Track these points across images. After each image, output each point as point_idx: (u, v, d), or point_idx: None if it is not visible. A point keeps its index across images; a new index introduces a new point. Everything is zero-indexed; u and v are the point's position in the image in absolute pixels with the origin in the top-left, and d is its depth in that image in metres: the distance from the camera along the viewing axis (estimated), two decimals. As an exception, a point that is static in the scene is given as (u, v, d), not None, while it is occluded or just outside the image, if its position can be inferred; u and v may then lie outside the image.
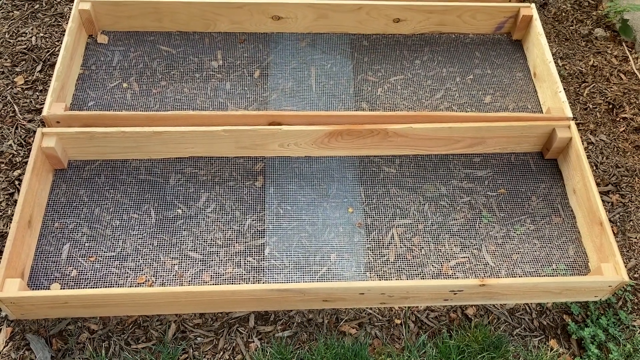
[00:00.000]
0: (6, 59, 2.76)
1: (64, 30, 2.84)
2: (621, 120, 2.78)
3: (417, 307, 2.18)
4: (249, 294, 2.01)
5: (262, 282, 2.18)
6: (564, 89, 2.77)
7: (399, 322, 2.15)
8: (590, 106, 2.81)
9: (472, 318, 2.16)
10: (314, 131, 2.36)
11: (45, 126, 2.40)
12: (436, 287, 2.04)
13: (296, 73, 2.76)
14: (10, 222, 2.29)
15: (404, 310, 2.17)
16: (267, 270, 2.21)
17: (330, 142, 2.42)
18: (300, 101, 2.66)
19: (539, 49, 2.70)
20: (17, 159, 2.46)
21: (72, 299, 1.95)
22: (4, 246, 2.22)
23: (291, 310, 2.15)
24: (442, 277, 2.22)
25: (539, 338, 2.14)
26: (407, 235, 2.32)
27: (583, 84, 2.89)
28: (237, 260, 2.22)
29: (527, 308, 2.21)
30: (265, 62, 2.77)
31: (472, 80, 2.79)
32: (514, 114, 2.50)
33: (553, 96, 2.55)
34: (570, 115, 2.45)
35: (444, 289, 2.05)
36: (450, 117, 2.43)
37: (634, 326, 2.20)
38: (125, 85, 2.65)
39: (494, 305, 2.20)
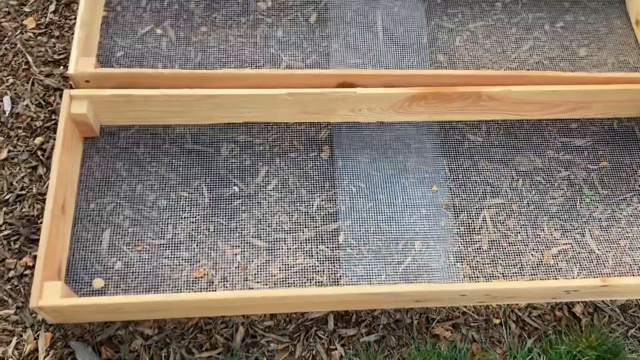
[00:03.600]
0: (11, -4, 2.29)
1: (79, -39, 2.36)
2: None
3: (517, 304, 1.90)
4: (331, 298, 1.71)
5: (338, 274, 1.87)
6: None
7: (497, 322, 1.87)
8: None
9: (581, 317, 1.89)
10: (394, 94, 1.98)
11: (70, 85, 2.00)
12: (551, 288, 1.76)
13: (359, 17, 2.33)
14: (37, 203, 1.93)
15: (502, 308, 1.89)
16: (343, 261, 1.90)
17: (410, 107, 2.04)
18: (365, 53, 2.25)
19: (645, -9, 2.30)
20: (36, 123, 2.06)
21: (126, 306, 1.64)
22: (32, 232, 1.88)
23: (374, 310, 1.86)
24: (544, 267, 1.93)
25: (657, 340, 1.89)
26: (500, 218, 2.01)
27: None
28: (307, 249, 1.91)
29: (640, 304, 1.94)
30: (322, 3, 2.34)
31: (562, 28, 2.38)
32: (630, 74, 2.13)
33: (667, 52, 2.18)
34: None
35: (558, 290, 1.77)
36: (555, 78, 2.05)
37: None
38: (159, 31, 2.22)
39: (602, 301, 1.93)
